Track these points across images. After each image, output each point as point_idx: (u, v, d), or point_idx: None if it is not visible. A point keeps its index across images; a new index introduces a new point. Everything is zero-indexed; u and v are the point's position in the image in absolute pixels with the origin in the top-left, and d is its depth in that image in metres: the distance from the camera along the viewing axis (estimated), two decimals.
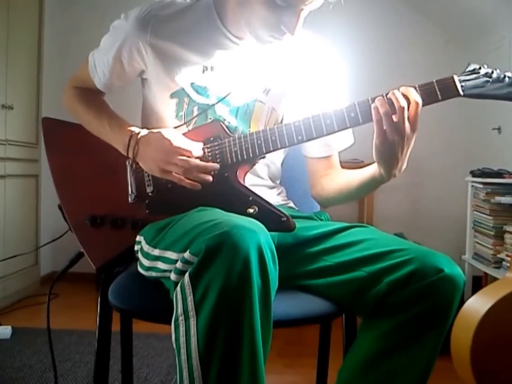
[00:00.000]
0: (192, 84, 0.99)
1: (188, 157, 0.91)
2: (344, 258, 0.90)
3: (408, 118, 0.84)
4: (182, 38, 0.98)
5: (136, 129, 0.98)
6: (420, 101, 0.84)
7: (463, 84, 0.85)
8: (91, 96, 1.09)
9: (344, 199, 1.07)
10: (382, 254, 0.87)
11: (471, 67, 0.87)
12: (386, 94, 0.86)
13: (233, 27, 0.99)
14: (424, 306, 0.83)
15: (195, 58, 0.98)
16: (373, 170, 0.94)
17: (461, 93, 0.85)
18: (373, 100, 0.86)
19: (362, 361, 0.86)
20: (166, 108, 1.01)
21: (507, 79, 0.84)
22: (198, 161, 0.92)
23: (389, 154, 0.87)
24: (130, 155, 0.96)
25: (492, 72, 0.85)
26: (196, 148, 0.93)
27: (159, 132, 0.94)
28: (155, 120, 1.05)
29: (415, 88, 0.85)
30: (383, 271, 0.85)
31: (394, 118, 0.84)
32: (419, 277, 0.83)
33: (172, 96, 1.00)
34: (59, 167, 1.08)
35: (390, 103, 0.84)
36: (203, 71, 0.99)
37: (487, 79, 0.85)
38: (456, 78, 0.85)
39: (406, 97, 0.84)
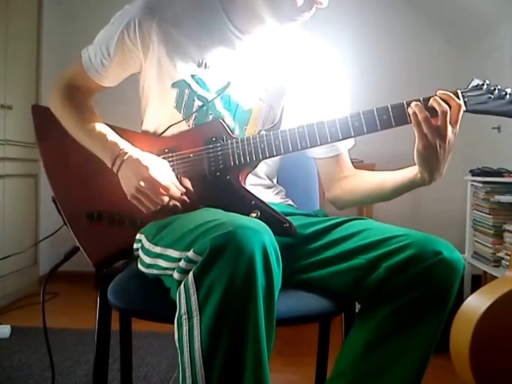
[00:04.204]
0: (193, 76, 0.98)
1: (163, 190, 0.91)
2: (343, 249, 0.90)
3: (450, 121, 0.85)
4: (186, 29, 0.97)
5: (125, 147, 0.96)
6: (463, 105, 0.86)
7: (466, 99, 0.87)
8: (79, 98, 1.06)
9: (372, 201, 1.09)
10: (381, 241, 0.87)
11: (474, 83, 0.89)
12: (426, 99, 0.87)
13: (239, 19, 0.98)
14: (422, 290, 0.83)
15: (197, 50, 0.98)
16: (413, 173, 0.94)
17: (464, 108, 0.87)
18: (408, 104, 0.87)
19: (361, 347, 0.86)
20: (167, 98, 1.00)
21: (508, 96, 0.87)
22: (165, 199, 0.92)
23: (431, 158, 0.88)
24: (114, 170, 0.96)
25: (494, 89, 0.87)
26: (174, 188, 0.93)
27: (141, 157, 0.93)
28: (155, 111, 1.03)
29: (419, 101, 0.86)
30: (381, 257, 0.85)
31: (434, 122, 0.85)
32: (418, 261, 0.83)
33: (173, 85, 0.98)
34: (52, 157, 1.06)
35: (429, 107, 0.85)
36: (204, 65, 0.98)
37: (489, 95, 0.87)
38: (460, 94, 0.87)
39: (446, 102, 0.85)
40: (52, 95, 1.09)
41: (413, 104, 0.86)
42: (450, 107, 0.85)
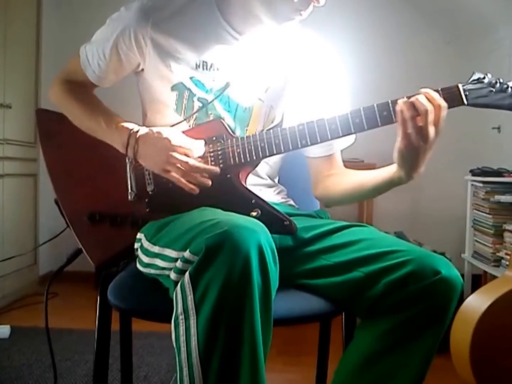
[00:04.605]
0: (191, 78, 0.98)
1: (188, 156, 0.91)
2: (342, 258, 0.90)
3: (431, 123, 0.83)
4: (182, 33, 0.97)
5: (134, 127, 0.96)
6: (444, 105, 0.84)
7: (467, 93, 0.86)
8: (82, 91, 1.07)
9: (354, 199, 1.07)
10: (380, 255, 0.86)
11: (475, 76, 0.87)
12: (409, 97, 0.85)
13: (236, 20, 0.98)
14: (421, 308, 0.83)
15: (194, 52, 0.98)
16: (391, 172, 0.93)
17: (465, 102, 0.85)
18: (394, 103, 0.85)
19: (359, 362, 0.86)
20: (167, 101, 1.00)
21: (509, 89, 0.85)
22: (197, 163, 0.91)
23: (411, 158, 0.86)
24: (130, 154, 0.94)
25: (496, 82, 0.86)
26: (197, 148, 0.92)
27: (159, 131, 0.93)
28: (155, 114, 1.03)
29: (406, 98, 0.85)
30: (380, 272, 0.85)
31: (419, 122, 0.83)
32: (417, 278, 0.82)
33: (172, 88, 0.99)
34: (55, 160, 1.06)
35: (414, 106, 0.84)
36: (202, 66, 0.98)
37: (491, 89, 0.86)
38: (461, 87, 0.86)
39: (429, 101, 0.84)
40: (55, 92, 1.09)
41: (400, 101, 0.84)
42: (434, 107, 0.83)
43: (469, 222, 2.48)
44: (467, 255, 2.47)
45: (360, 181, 1.02)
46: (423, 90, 0.84)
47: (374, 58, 2.99)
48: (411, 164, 0.87)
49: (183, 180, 0.91)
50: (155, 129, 0.94)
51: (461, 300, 0.86)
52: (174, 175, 0.91)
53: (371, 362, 0.85)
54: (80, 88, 1.07)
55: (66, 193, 1.04)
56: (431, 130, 0.83)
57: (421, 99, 0.83)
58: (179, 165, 0.90)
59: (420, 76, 2.90)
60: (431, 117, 0.82)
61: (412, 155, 0.86)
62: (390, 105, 0.87)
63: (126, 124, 0.97)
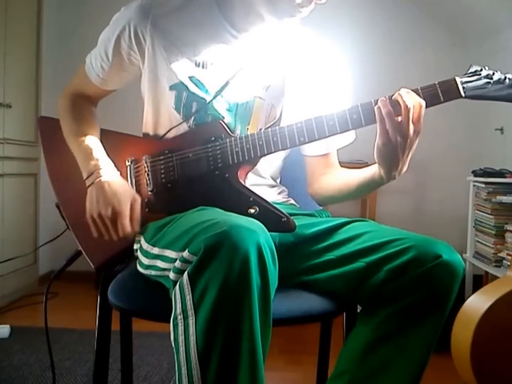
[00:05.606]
0: (190, 77, 0.98)
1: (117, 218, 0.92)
2: (344, 252, 0.90)
3: (412, 120, 0.83)
4: (181, 31, 0.97)
5: (103, 168, 0.96)
6: (423, 103, 0.84)
7: (464, 85, 0.86)
8: (82, 108, 1.08)
9: (342, 198, 1.07)
10: (382, 244, 0.87)
11: (472, 69, 0.88)
12: (390, 96, 0.86)
13: (236, 17, 0.98)
14: (422, 293, 0.83)
15: (194, 51, 0.98)
16: (373, 171, 0.94)
17: (463, 94, 0.86)
18: (376, 102, 0.86)
19: (360, 349, 0.86)
20: (165, 100, 1.00)
21: (507, 80, 0.86)
22: (120, 235, 0.93)
23: (390, 156, 0.86)
24: (86, 184, 0.97)
25: (493, 73, 0.86)
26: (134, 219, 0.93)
27: (115, 187, 0.94)
28: (155, 113, 1.03)
29: (418, 90, 0.85)
30: (382, 260, 0.85)
31: (398, 119, 0.84)
32: (418, 264, 0.82)
33: (171, 88, 0.98)
34: (56, 166, 1.07)
35: (394, 104, 0.84)
36: (202, 66, 0.98)
37: (488, 80, 0.86)
38: (458, 80, 0.86)
39: (411, 100, 0.84)
40: (59, 103, 1.11)
41: (382, 98, 0.85)
42: (413, 105, 0.84)
43: (471, 223, 2.47)
44: (468, 255, 2.47)
45: (347, 179, 1.03)
46: (403, 89, 0.85)
47: (379, 58, 2.98)
48: (390, 162, 0.87)
49: (104, 235, 0.95)
50: (114, 184, 0.95)
51: (462, 297, 0.86)
52: (97, 229, 0.94)
53: (372, 349, 0.85)
54: (81, 103, 1.09)
55: (67, 197, 1.05)
56: (411, 127, 0.84)
57: (403, 96, 0.84)
58: (108, 226, 0.93)
59: (425, 77, 2.86)
60: (411, 114, 0.83)
61: (390, 152, 0.86)
62: (387, 99, 0.86)
63: (100, 160, 0.97)
